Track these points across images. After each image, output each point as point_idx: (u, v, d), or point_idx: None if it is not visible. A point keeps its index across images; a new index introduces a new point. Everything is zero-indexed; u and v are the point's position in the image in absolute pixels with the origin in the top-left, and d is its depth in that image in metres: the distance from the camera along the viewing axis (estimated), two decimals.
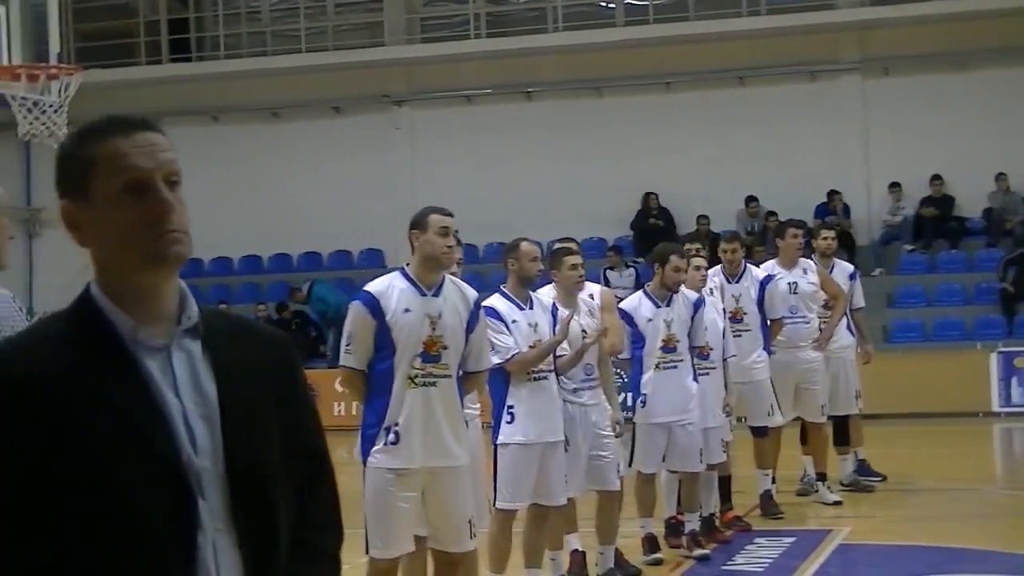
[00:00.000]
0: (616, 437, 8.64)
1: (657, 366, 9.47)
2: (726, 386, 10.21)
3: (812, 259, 12.23)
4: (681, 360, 9.55)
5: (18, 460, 2.28)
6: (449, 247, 6.61)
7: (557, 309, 8.03)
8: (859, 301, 12.80)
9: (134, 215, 2.39)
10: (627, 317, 9.51)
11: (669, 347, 9.51)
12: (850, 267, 13.05)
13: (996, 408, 19.71)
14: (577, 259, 8.50)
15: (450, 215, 6.70)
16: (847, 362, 12.29)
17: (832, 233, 13.22)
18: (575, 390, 8.41)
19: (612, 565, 8.82)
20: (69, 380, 2.32)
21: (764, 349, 11.24)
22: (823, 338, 11.84)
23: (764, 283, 11.33)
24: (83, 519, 2.29)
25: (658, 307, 9.56)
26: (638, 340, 9.53)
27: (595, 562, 8.91)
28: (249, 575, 2.42)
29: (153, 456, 2.33)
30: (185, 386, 2.41)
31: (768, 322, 11.32)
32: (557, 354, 7.98)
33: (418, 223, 6.67)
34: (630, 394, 9.81)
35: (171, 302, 2.45)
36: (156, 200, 2.40)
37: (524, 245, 7.88)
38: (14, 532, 2.27)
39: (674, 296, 9.61)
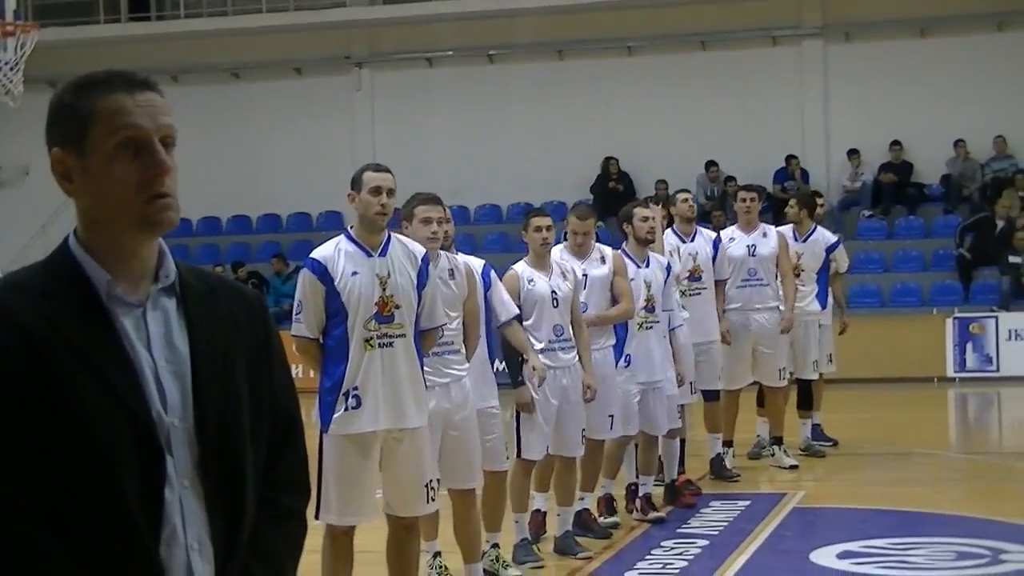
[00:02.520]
0: (587, 401, 8.58)
1: (640, 326, 9.45)
2: (675, 356, 10.08)
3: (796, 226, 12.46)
4: (658, 321, 9.58)
5: (5, 413, 2.29)
6: (383, 205, 6.45)
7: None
8: (841, 268, 13.07)
9: (129, 173, 2.39)
10: None
11: (650, 307, 9.54)
12: (832, 237, 12.99)
13: (951, 373, 19.85)
14: (542, 221, 8.48)
15: (386, 171, 6.54)
16: (810, 326, 12.32)
17: (821, 200, 13.64)
18: (542, 351, 8.30)
19: (570, 527, 8.82)
20: (46, 334, 2.33)
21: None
22: (786, 319, 11.79)
23: (716, 243, 11.37)
24: (62, 470, 2.30)
25: (638, 267, 9.58)
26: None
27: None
28: (216, 531, 2.44)
29: (123, 411, 2.35)
30: (158, 343, 2.43)
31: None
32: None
33: (354, 182, 6.55)
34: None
35: (150, 260, 2.47)
36: (153, 160, 2.41)
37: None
38: (10, 480, 2.28)
39: (650, 257, 9.65)
